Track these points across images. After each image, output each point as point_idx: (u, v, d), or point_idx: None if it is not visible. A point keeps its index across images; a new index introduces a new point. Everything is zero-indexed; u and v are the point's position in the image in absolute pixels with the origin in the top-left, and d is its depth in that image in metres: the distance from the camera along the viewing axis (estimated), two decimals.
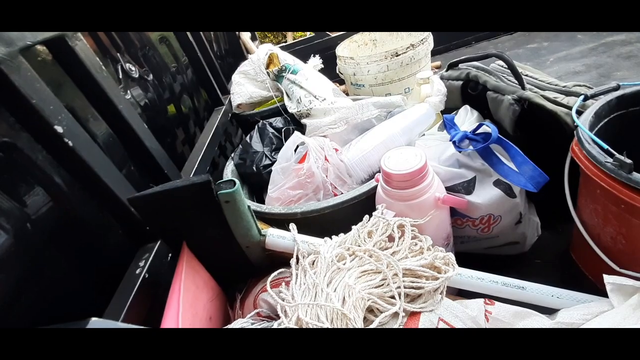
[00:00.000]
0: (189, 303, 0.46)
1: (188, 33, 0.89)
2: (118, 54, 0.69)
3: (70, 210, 0.47)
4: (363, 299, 0.42)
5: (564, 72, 1.46)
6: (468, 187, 0.62)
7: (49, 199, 0.45)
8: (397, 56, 1.02)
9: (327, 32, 1.68)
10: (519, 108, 0.60)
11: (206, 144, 0.78)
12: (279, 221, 0.65)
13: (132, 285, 0.45)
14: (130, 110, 0.53)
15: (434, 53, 1.98)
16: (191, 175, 0.66)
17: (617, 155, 0.47)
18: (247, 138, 0.89)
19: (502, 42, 1.90)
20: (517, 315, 0.52)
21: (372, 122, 0.77)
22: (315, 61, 1.07)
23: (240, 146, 0.88)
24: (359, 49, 1.28)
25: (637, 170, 0.53)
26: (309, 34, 1.68)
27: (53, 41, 0.44)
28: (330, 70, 1.21)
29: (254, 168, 0.84)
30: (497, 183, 0.62)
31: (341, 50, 1.19)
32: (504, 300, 0.55)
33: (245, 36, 1.30)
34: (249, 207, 0.48)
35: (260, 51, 1.01)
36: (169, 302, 0.44)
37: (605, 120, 0.60)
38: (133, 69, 0.69)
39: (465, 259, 0.74)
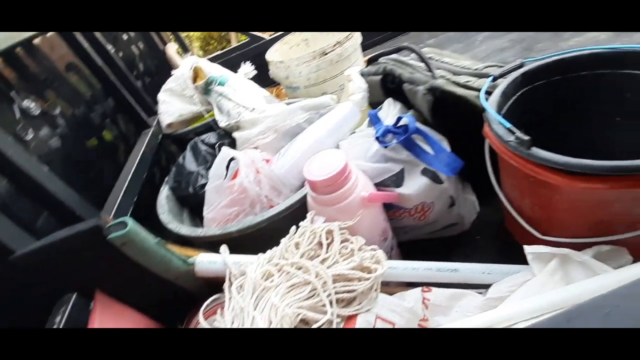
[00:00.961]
0: None
1: (98, 59, 0.83)
2: (13, 92, 0.63)
3: None
4: (290, 317, 0.41)
5: (492, 49, 1.53)
6: (397, 180, 0.63)
7: None
8: (325, 55, 1.02)
9: (262, 36, 1.65)
10: (432, 97, 0.62)
11: (131, 173, 0.73)
12: (217, 242, 0.63)
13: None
14: (23, 156, 0.48)
15: (371, 46, 2.01)
16: (113, 212, 0.62)
17: (517, 133, 0.49)
18: (180, 159, 0.86)
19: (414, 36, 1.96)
20: (453, 297, 0.54)
21: (302, 126, 0.76)
22: (247, 68, 1.05)
23: (174, 168, 0.84)
24: (291, 51, 1.27)
25: (546, 141, 0.57)
26: (244, 40, 1.65)
27: None
28: (265, 75, 1.19)
29: (190, 189, 0.81)
30: (424, 172, 0.63)
31: (272, 54, 1.17)
32: (442, 285, 0.56)
33: (171, 50, 1.25)
34: (158, 241, 0.46)
35: (184, 66, 0.97)
36: None
37: (514, 97, 0.63)
38: (32, 106, 0.64)
39: (411, 247, 0.77)
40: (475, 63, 0.75)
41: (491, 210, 0.84)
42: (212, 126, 0.94)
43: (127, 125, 0.94)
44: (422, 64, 0.70)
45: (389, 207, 0.67)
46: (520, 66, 0.65)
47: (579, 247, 0.51)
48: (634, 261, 0.49)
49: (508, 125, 0.51)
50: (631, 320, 0.28)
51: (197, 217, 0.84)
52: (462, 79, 0.67)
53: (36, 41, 0.73)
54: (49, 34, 0.68)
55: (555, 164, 0.45)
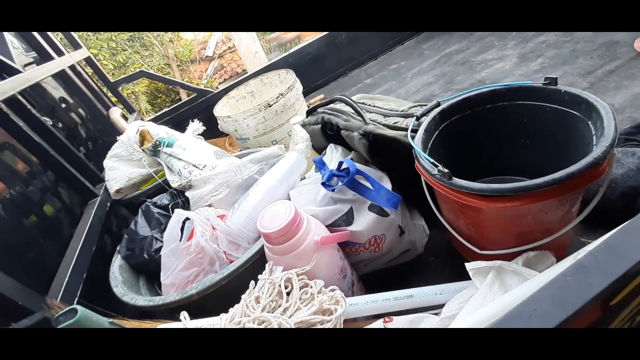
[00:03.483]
0: None
1: (35, 136, 0.81)
2: None
3: None
4: None
5: (420, 84, 1.72)
6: (347, 218, 0.68)
7: None
8: (270, 106, 1.08)
9: (209, 90, 1.71)
10: (366, 141, 0.69)
11: (78, 248, 0.70)
12: (178, 309, 0.62)
13: None
14: None
15: (317, 87, 2.16)
16: (60, 294, 0.58)
17: (440, 167, 0.56)
18: (132, 225, 0.84)
19: (370, 67, 2.16)
20: (412, 322, 0.57)
21: (254, 178, 0.79)
22: (195, 126, 1.07)
23: (126, 235, 0.82)
24: (239, 104, 1.32)
25: (466, 168, 0.65)
26: (193, 95, 1.68)
27: None
28: (215, 128, 1.23)
29: (146, 255, 0.78)
30: (371, 207, 0.69)
31: (219, 110, 1.22)
32: (401, 313, 0.60)
33: (115, 114, 1.24)
34: (111, 322, 0.44)
35: (129, 130, 0.98)
36: None
37: (436, 133, 0.72)
38: None
39: (371, 279, 0.80)
40: (402, 104, 0.85)
41: (440, 231, 0.92)
42: (163, 187, 0.93)
43: (71, 197, 0.90)
44: (355, 113, 0.78)
45: (345, 244, 0.71)
46: (437, 105, 0.74)
47: (510, 257, 0.58)
48: (558, 261, 0.56)
49: (431, 160, 0.59)
50: (547, 320, 0.33)
51: (155, 283, 0.81)
52: (391, 121, 0.75)
53: None
54: None
55: (473, 190, 0.52)
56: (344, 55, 2.17)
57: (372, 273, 0.80)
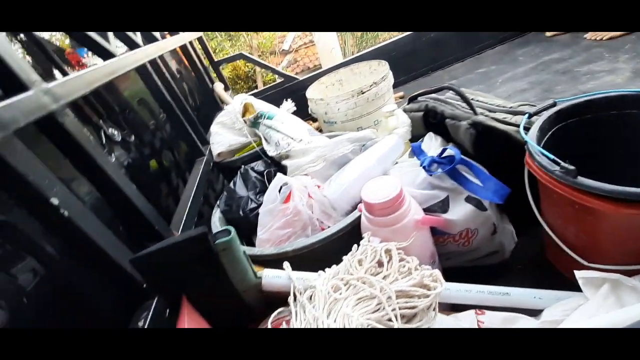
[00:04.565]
0: None
1: (165, 92, 0.94)
2: (100, 121, 0.72)
3: (64, 280, 0.48)
4: (362, 325, 0.44)
5: (512, 91, 1.62)
6: (443, 206, 0.67)
7: (42, 270, 0.46)
8: (362, 94, 1.11)
9: (295, 76, 1.79)
10: (474, 131, 0.68)
11: (191, 196, 0.80)
12: (272, 262, 0.67)
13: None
14: (118, 174, 0.55)
15: (396, 85, 2.15)
16: (180, 229, 0.67)
17: (562, 163, 0.53)
18: (231, 184, 0.92)
19: (456, 69, 2.08)
20: (506, 320, 0.56)
21: (348, 156, 0.82)
22: (288, 105, 1.15)
23: (225, 193, 0.91)
24: (327, 90, 1.38)
25: (582, 172, 0.61)
26: (278, 80, 1.79)
27: (44, 119, 0.47)
28: (301, 110, 1.29)
29: (241, 213, 0.86)
30: (468, 199, 0.68)
31: (311, 92, 1.28)
32: (493, 308, 0.58)
33: (219, 87, 1.37)
34: (244, 252, 0.50)
35: (235, 102, 1.08)
36: None
37: (549, 133, 0.68)
38: (115, 133, 0.73)
39: (452, 274, 0.78)
40: (507, 102, 0.82)
41: (529, 240, 0.87)
42: (258, 155, 1.01)
43: (182, 153, 1.02)
44: (460, 103, 0.77)
45: (434, 233, 0.71)
46: (553, 105, 0.71)
47: (626, 274, 0.53)
48: None
49: (552, 157, 0.56)
50: None
51: (244, 239, 0.88)
52: (499, 116, 0.73)
53: (115, 81, 0.84)
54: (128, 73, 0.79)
55: (601, 191, 0.49)
56: (428, 55, 2.12)
57: (453, 269, 0.79)
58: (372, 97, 1.11)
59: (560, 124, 0.69)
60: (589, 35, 1.74)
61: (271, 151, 0.93)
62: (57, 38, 0.90)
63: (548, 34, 1.94)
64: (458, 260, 0.76)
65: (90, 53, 0.83)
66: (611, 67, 1.45)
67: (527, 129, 0.67)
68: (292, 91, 1.72)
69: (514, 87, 1.63)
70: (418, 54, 2.12)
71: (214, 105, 1.42)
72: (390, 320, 0.47)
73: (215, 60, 1.64)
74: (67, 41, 0.91)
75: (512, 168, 0.67)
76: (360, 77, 1.37)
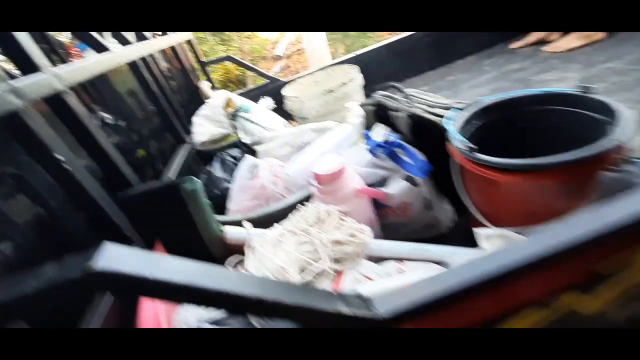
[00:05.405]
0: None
1: (154, 86, 1.07)
2: (95, 106, 0.84)
3: (62, 224, 0.60)
4: (298, 260, 0.57)
5: (475, 96, 1.78)
6: (383, 182, 0.81)
7: (46, 215, 0.58)
8: (331, 92, 1.25)
9: (278, 78, 1.93)
10: (411, 121, 0.82)
11: (175, 177, 0.92)
12: (239, 225, 0.80)
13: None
14: (108, 145, 0.67)
15: (373, 90, 2.30)
16: None
17: (468, 143, 0.67)
18: (210, 168, 1.05)
19: (429, 76, 2.25)
20: (423, 267, 0.69)
21: (310, 142, 0.96)
22: (267, 101, 1.28)
23: (204, 175, 1.03)
24: (303, 89, 1.51)
25: (502, 155, 0.75)
26: (265, 81, 1.92)
27: (52, 97, 0.59)
28: (281, 110, 1.43)
29: (217, 191, 0.99)
30: (405, 178, 0.81)
31: (287, 91, 1.42)
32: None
33: (205, 85, 1.50)
34: (209, 203, 0.63)
35: (217, 97, 1.21)
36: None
37: (474, 127, 0.82)
38: (109, 117, 0.85)
39: None
40: (448, 101, 0.97)
41: (466, 220, 1.01)
42: (236, 144, 1.14)
43: (167, 142, 1.15)
44: (405, 99, 0.92)
45: (378, 207, 0.84)
46: (478, 103, 0.85)
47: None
48: None
49: (461, 138, 0.70)
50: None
51: (219, 213, 1.01)
52: (437, 111, 0.87)
53: (110, 73, 0.96)
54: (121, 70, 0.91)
55: (492, 164, 0.63)
56: (405, 63, 2.29)
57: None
58: (341, 96, 1.25)
59: (485, 119, 0.84)
60: (548, 47, 1.91)
61: (246, 139, 1.06)
62: (60, 33, 1.03)
63: (512, 46, 2.12)
64: (400, 232, 0.90)
65: (89, 49, 0.95)
66: (561, 76, 1.62)
67: (455, 121, 0.81)
68: (275, 92, 1.85)
69: (476, 93, 1.79)
70: (396, 62, 2.28)
71: (200, 102, 1.54)
72: (321, 259, 0.60)
73: (203, 61, 1.77)
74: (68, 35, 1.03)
75: (441, 150, 0.81)
76: (334, 79, 1.51)
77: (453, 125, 0.77)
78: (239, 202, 0.85)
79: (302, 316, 0.35)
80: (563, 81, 1.56)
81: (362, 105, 0.97)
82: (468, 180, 0.76)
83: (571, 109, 0.76)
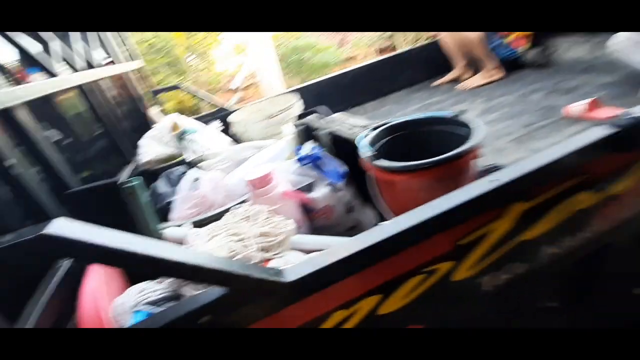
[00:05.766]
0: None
1: (101, 111, 1.14)
2: (43, 124, 0.91)
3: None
4: (228, 248, 0.67)
5: None
6: (309, 188, 0.95)
7: None
8: (273, 117, 1.41)
9: (228, 109, 2.06)
10: (331, 137, 0.99)
11: None
12: None
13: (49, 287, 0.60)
14: (52, 153, 0.75)
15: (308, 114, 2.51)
16: None
17: (370, 151, 0.85)
18: (156, 183, 1.12)
19: (367, 107, 2.53)
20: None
21: (249, 157, 1.08)
22: (215, 124, 1.40)
23: (150, 190, 1.10)
24: (248, 115, 1.66)
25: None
26: (217, 108, 2.04)
27: (4, 111, 0.66)
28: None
29: (161, 205, 1.06)
30: (326, 184, 0.96)
31: (233, 117, 1.55)
32: None
33: (153, 111, 1.58)
34: (150, 201, 0.72)
35: (165, 120, 1.30)
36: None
37: (382, 143, 1.01)
38: (57, 134, 0.91)
39: None
40: (366, 122, 1.16)
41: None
42: (181, 163, 1.23)
43: (111, 164, 1.21)
44: (331, 119, 1.09)
45: (308, 211, 0.97)
46: (386, 123, 1.05)
47: None
48: None
49: (366, 146, 0.87)
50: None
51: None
52: (353, 130, 1.06)
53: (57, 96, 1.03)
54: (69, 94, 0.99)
55: (387, 167, 0.80)
56: (347, 94, 2.55)
57: None
58: (281, 121, 1.41)
59: (390, 137, 1.03)
60: (460, 85, 2.28)
61: (191, 157, 1.16)
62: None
63: (434, 84, 2.48)
64: (326, 234, 1.03)
65: (39, 72, 1.01)
66: (469, 106, 1.95)
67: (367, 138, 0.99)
68: (225, 119, 1.98)
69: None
70: (341, 93, 2.53)
71: (148, 128, 1.61)
72: (247, 247, 0.71)
73: (154, 89, 1.86)
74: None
75: (356, 161, 0.98)
76: (276, 107, 1.68)
77: (364, 140, 0.95)
78: (180, 212, 0.94)
79: (228, 281, 0.44)
80: (471, 110, 1.87)
81: (295, 126, 1.13)
82: (375, 184, 0.93)
83: (449, 127, 0.97)
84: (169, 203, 1.05)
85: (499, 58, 2.19)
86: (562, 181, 0.73)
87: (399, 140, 1.03)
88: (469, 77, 2.28)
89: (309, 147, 1.04)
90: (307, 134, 1.10)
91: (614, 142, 0.71)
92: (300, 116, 1.15)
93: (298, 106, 1.53)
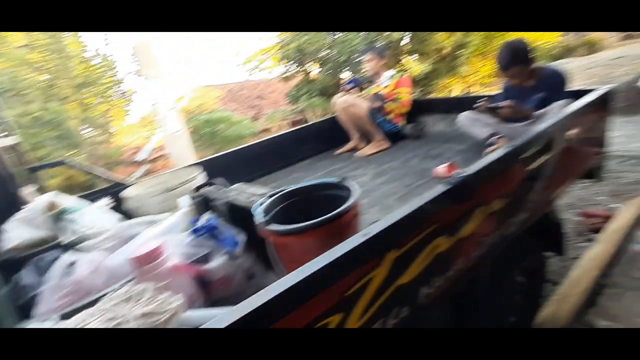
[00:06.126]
0: None
1: None
2: None
3: None
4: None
5: None
6: (205, 259, 0.93)
7: None
8: (171, 190, 1.38)
9: (124, 183, 1.94)
10: (228, 206, 1.01)
11: None
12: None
13: None
14: None
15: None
16: None
17: (263, 218, 0.89)
18: (19, 275, 0.95)
19: (277, 175, 2.65)
20: None
21: (138, 234, 1.02)
22: (104, 201, 1.30)
23: (11, 284, 0.93)
24: (145, 189, 1.59)
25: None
26: (111, 183, 1.89)
27: None
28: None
29: (24, 300, 0.89)
30: (223, 253, 0.96)
31: (127, 192, 1.47)
32: None
33: (26, 191, 1.39)
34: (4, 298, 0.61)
35: (38, 200, 1.16)
36: None
37: (278, 208, 1.08)
38: None
39: None
40: (265, 189, 1.23)
41: None
42: (56, 246, 1.08)
43: None
44: (230, 189, 1.13)
45: (206, 283, 0.93)
46: (282, 190, 1.13)
47: None
48: None
49: (260, 214, 0.92)
50: None
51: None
52: (252, 198, 1.11)
53: None
54: None
55: (273, 231, 0.85)
56: (255, 166, 2.65)
57: None
58: (179, 195, 1.39)
59: (285, 202, 1.11)
60: (358, 153, 2.59)
61: (70, 239, 1.03)
62: None
63: (336, 152, 2.77)
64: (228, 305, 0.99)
65: None
66: (364, 172, 2.21)
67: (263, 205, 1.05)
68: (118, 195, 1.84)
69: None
70: (250, 164, 2.61)
71: (17, 210, 1.39)
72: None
73: (31, 165, 1.66)
74: None
75: (253, 228, 1.02)
76: (177, 179, 1.65)
77: (260, 208, 1.00)
78: (48, 304, 0.81)
79: None
80: (364, 175, 2.13)
81: (192, 198, 1.13)
82: (273, 248, 0.96)
83: (336, 191, 1.10)
84: (34, 297, 0.89)
85: (384, 131, 2.60)
86: (422, 229, 0.88)
87: (294, 205, 1.12)
88: (363, 147, 2.62)
89: (205, 218, 1.04)
90: (205, 205, 1.11)
91: (450, 195, 0.90)
92: (198, 188, 1.17)
93: (200, 179, 1.54)
